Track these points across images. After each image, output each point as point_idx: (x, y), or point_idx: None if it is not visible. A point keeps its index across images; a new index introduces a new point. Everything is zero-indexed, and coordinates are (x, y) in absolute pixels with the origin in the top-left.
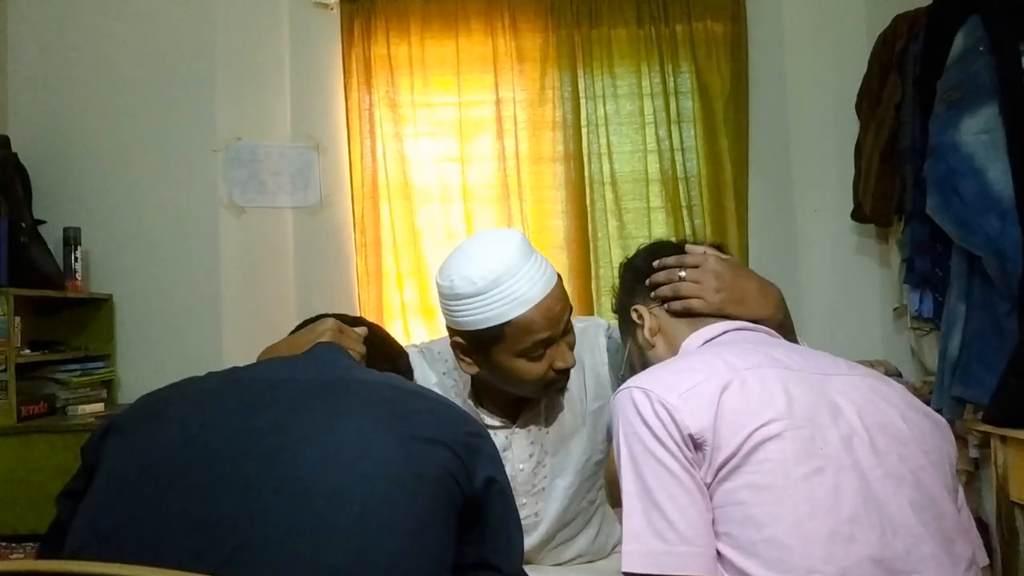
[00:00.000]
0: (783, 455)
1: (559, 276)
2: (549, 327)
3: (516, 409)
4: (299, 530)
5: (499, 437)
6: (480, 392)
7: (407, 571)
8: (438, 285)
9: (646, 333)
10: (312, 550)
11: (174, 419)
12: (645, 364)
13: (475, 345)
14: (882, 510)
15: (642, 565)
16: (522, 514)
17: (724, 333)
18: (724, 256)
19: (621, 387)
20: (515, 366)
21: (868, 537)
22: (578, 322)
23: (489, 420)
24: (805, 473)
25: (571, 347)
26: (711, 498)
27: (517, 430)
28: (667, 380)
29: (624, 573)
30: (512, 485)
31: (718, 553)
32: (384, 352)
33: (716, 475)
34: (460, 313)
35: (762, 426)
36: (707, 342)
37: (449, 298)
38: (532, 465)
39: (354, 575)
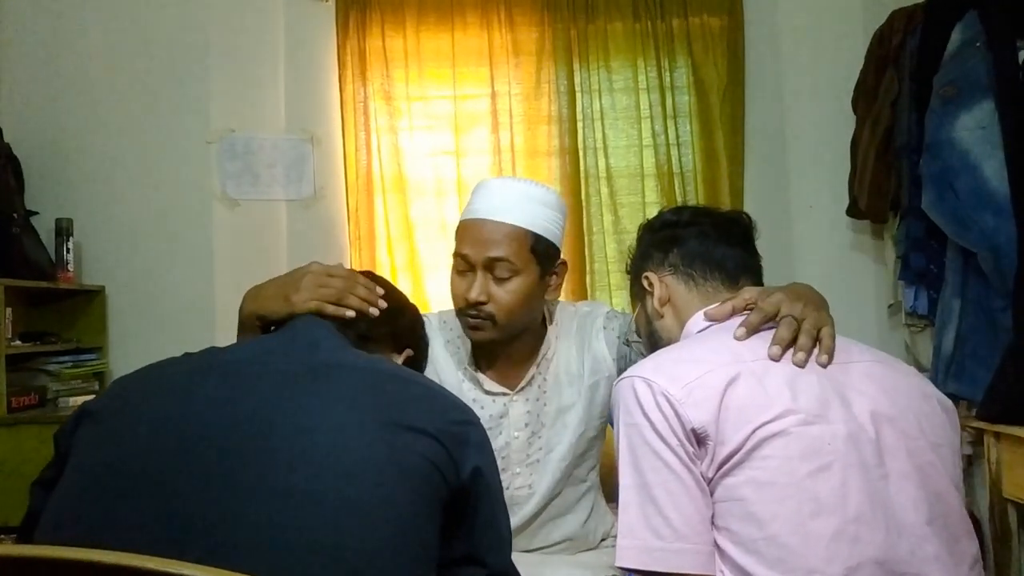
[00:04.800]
0: (787, 452)
1: (529, 234)
2: (468, 244)
3: (516, 378)
4: (274, 532)
5: (497, 404)
6: (480, 358)
7: (387, 572)
8: None
9: (655, 303)
10: (288, 553)
11: (149, 409)
12: (651, 332)
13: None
14: (888, 509)
15: (636, 561)
16: (516, 484)
17: (731, 315)
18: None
19: (623, 375)
20: (451, 272)
21: (873, 538)
22: (584, 305)
23: (488, 386)
24: (810, 471)
25: (493, 295)
26: (712, 492)
27: (515, 398)
28: (671, 371)
29: (619, 568)
30: (506, 454)
31: (718, 547)
32: (384, 312)
33: (718, 470)
34: None
35: (767, 422)
36: (709, 326)
37: None
38: (527, 435)
39: None
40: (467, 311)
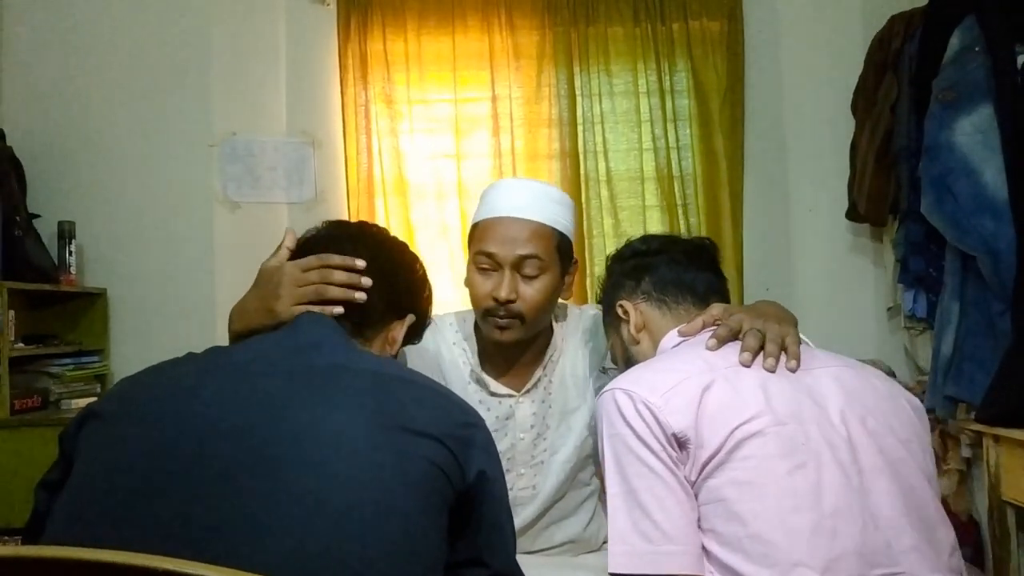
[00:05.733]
0: (766, 451)
1: (554, 232)
2: (496, 243)
3: (522, 380)
4: (280, 540)
5: (503, 405)
6: (486, 360)
7: None
8: None
9: (632, 329)
10: (293, 561)
11: (154, 411)
12: (628, 359)
13: (468, 245)
14: (863, 504)
15: (628, 565)
16: (520, 485)
17: (702, 329)
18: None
19: (604, 389)
20: (470, 273)
21: (850, 531)
22: (590, 308)
23: (495, 388)
24: (788, 469)
25: (522, 294)
26: (696, 496)
27: (521, 399)
28: (649, 381)
29: (611, 574)
30: (511, 455)
31: (705, 549)
32: (375, 285)
33: (700, 473)
34: None
35: (744, 423)
36: (683, 341)
37: None
38: (532, 436)
39: None
40: (495, 311)
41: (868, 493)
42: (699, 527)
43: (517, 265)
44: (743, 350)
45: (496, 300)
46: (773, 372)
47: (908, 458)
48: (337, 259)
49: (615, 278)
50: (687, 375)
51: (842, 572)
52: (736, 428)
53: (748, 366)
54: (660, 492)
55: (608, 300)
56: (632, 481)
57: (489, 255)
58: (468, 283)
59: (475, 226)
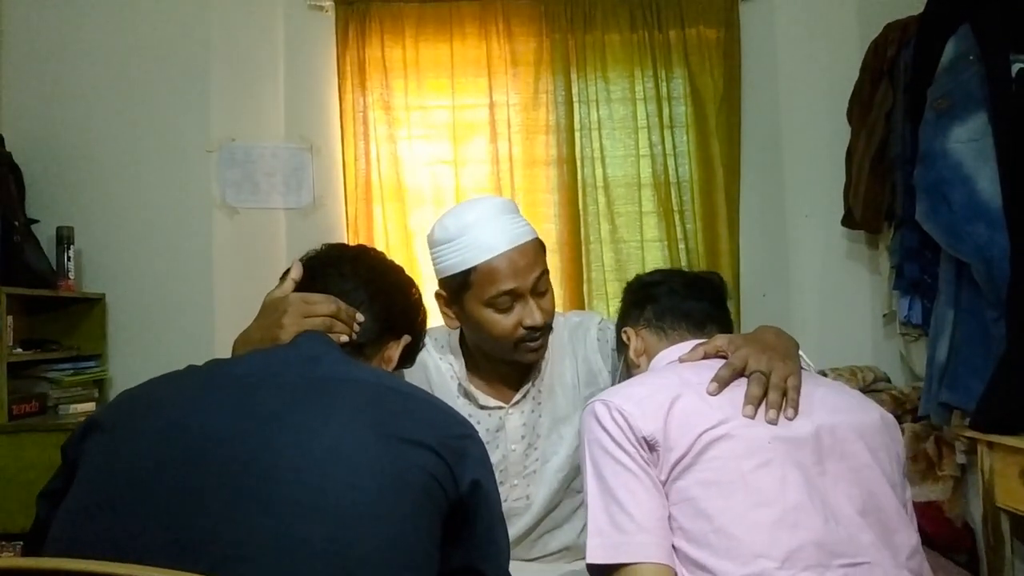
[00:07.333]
0: (732, 452)
1: (540, 241)
2: (514, 279)
3: (510, 391)
4: (277, 545)
5: (493, 418)
6: (475, 373)
7: None
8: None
9: (631, 354)
10: (291, 563)
11: (156, 421)
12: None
13: (451, 294)
14: (825, 501)
15: (604, 556)
16: (513, 496)
17: (703, 358)
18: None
19: (587, 402)
20: (485, 317)
21: (812, 523)
22: (574, 315)
23: (484, 400)
24: (753, 467)
25: (545, 310)
26: (667, 496)
27: (511, 411)
28: (625, 392)
29: (588, 564)
30: (504, 467)
31: (675, 548)
32: (381, 302)
33: (670, 474)
34: (437, 260)
35: (711, 428)
36: (671, 362)
37: (430, 247)
38: (524, 447)
39: None
40: (529, 337)
41: (829, 492)
42: (669, 526)
43: (533, 287)
44: (747, 401)
45: (533, 328)
46: (775, 424)
47: (874, 464)
48: (343, 307)
49: (625, 307)
50: (661, 387)
51: (802, 562)
52: (703, 432)
53: (752, 418)
54: (634, 487)
55: (619, 326)
56: (608, 479)
57: (510, 292)
58: (483, 326)
59: (472, 271)
